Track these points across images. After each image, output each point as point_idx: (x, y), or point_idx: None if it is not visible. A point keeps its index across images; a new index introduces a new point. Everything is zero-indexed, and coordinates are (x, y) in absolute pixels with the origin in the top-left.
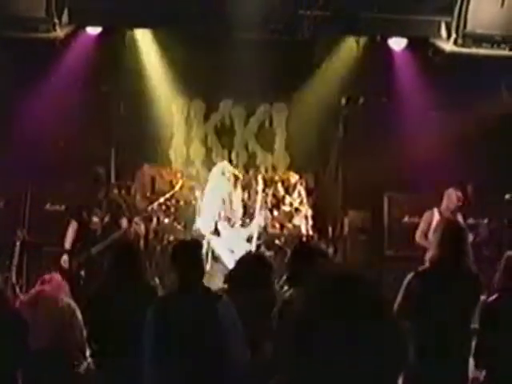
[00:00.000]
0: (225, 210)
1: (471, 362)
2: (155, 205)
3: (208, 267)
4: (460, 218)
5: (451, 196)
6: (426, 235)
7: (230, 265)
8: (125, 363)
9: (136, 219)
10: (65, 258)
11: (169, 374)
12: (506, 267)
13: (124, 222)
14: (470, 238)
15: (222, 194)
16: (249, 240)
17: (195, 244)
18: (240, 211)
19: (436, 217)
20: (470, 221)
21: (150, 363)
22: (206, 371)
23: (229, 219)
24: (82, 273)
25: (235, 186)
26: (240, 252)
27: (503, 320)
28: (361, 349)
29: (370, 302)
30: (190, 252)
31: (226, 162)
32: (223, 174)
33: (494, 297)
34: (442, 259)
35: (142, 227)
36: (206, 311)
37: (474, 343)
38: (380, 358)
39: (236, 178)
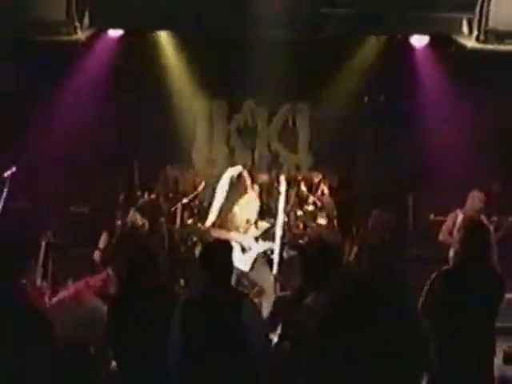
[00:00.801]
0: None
1: (496, 361)
2: (179, 206)
3: None
4: (483, 217)
5: (474, 198)
6: (450, 234)
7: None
8: (143, 366)
9: (161, 219)
10: (96, 254)
11: (195, 375)
12: None
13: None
14: (494, 236)
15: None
16: (257, 239)
17: (225, 245)
18: (248, 215)
19: (460, 216)
20: (494, 218)
21: (176, 365)
22: (231, 373)
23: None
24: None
25: (246, 190)
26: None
27: None
28: (381, 351)
29: (389, 305)
30: (220, 253)
31: (238, 167)
32: (231, 179)
33: None
34: (464, 258)
35: (165, 227)
36: (232, 312)
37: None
38: (401, 358)
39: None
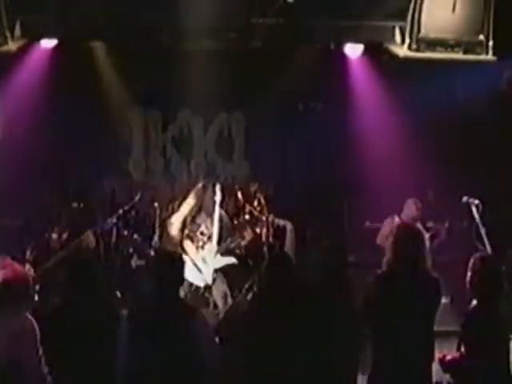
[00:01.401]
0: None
1: (434, 366)
2: (114, 217)
3: None
4: (419, 224)
5: (411, 206)
6: (387, 238)
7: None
8: (83, 379)
9: (88, 233)
10: (28, 267)
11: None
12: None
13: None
14: (428, 242)
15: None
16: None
17: (175, 256)
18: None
19: (397, 222)
20: (430, 224)
21: (124, 375)
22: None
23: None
24: (37, 288)
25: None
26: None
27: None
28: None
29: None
30: (169, 264)
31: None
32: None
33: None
34: (397, 262)
35: (93, 239)
36: (181, 325)
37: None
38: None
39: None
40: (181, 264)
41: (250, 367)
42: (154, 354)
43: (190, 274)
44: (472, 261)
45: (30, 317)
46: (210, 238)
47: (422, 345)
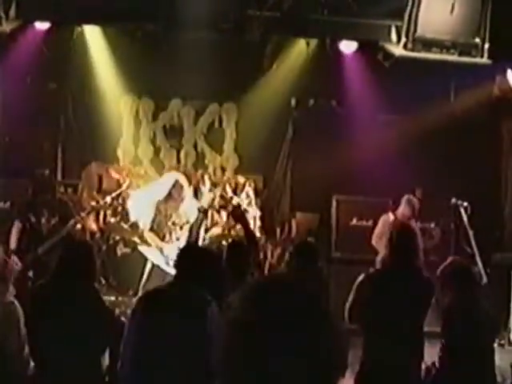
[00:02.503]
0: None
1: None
2: (101, 203)
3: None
4: (413, 223)
5: (411, 202)
6: (381, 238)
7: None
8: (67, 368)
9: (82, 214)
10: (14, 258)
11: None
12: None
13: (71, 222)
14: (421, 242)
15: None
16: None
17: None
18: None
19: (392, 219)
20: (418, 225)
21: (126, 367)
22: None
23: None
24: (30, 273)
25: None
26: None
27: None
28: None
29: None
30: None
31: (174, 175)
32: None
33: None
34: (392, 261)
35: (91, 222)
36: (194, 318)
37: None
38: (315, 363)
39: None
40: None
41: None
42: (158, 349)
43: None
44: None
45: (12, 299)
46: (181, 228)
47: (412, 344)
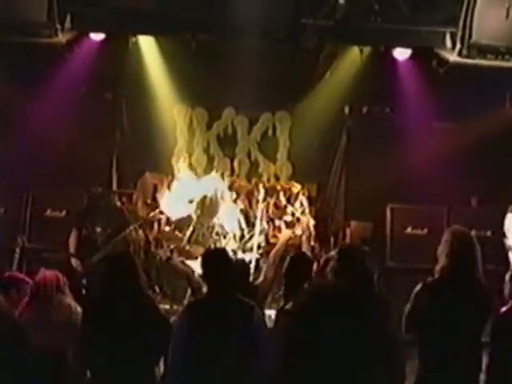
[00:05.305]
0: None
1: (482, 377)
2: (156, 212)
3: None
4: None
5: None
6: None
7: None
8: (122, 377)
9: (137, 223)
10: (75, 261)
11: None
12: None
13: (126, 231)
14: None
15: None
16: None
17: (223, 252)
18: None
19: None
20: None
21: (176, 373)
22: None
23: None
24: (84, 281)
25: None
26: None
27: None
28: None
29: (365, 317)
30: (218, 260)
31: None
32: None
33: (505, 308)
34: (451, 270)
35: (141, 233)
36: (237, 321)
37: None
38: (374, 373)
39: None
40: (225, 259)
41: None
42: (207, 350)
43: None
44: None
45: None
46: (224, 237)
47: (470, 355)
